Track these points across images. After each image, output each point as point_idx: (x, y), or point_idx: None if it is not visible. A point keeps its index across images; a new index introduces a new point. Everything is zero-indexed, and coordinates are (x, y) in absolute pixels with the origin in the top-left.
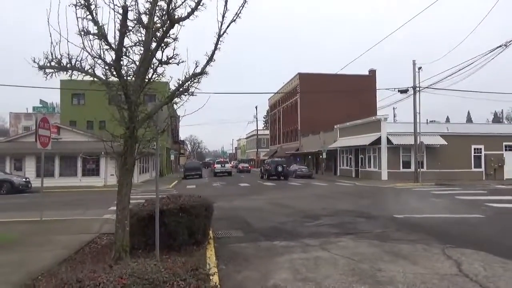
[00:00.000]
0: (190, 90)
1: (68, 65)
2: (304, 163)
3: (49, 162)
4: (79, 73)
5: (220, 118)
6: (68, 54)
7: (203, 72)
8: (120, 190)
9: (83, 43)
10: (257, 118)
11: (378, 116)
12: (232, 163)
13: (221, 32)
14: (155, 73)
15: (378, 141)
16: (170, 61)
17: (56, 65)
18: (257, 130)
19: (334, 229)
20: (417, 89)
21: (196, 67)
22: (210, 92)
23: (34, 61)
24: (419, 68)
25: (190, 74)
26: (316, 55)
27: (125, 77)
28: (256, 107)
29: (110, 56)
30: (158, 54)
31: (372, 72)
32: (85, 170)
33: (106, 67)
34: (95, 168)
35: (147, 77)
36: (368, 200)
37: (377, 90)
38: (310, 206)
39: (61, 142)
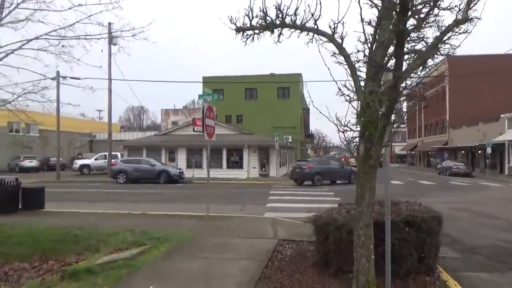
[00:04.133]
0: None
1: (277, 21)
2: (454, 159)
3: (198, 154)
4: (291, 30)
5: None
6: (278, 5)
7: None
8: (361, 198)
9: None
10: None
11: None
12: None
13: None
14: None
15: None
16: None
17: (259, 24)
18: None
19: None
20: None
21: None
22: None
23: (231, 21)
24: None
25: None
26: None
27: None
28: None
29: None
30: None
31: None
32: (230, 162)
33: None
34: (239, 161)
35: None
36: None
37: None
38: None
39: None
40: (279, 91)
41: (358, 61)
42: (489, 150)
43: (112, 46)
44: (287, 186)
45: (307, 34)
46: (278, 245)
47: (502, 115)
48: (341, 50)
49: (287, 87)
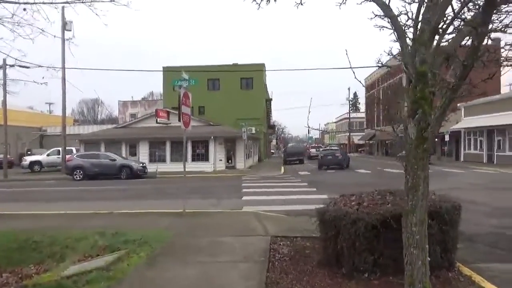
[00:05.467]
0: None
1: None
2: None
3: (161, 147)
4: None
5: (306, 103)
6: None
7: None
8: (414, 189)
9: None
10: (350, 101)
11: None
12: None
13: None
14: None
15: None
16: None
17: None
18: (349, 112)
19: None
20: None
21: None
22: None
23: None
24: None
25: None
26: None
27: None
28: (348, 89)
29: None
30: None
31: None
32: (195, 155)
33: None
34: (204, 153)
35: None
36: None
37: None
38: (506, 203)
39: (171, 127)
40: (242, 81)
41: (406, 26)
42: (446, 138)
43: (66, 32)
44: (257, 178)
45: None
46: (272, 243)
47: (458, 104)
48: (387, 11)
49: (251, 78)
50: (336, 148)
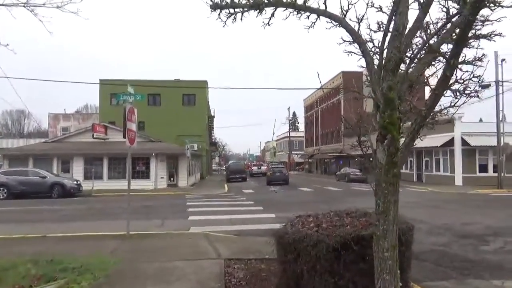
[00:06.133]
0: None
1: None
2: (349, 165)
3: (97, 163)
4: (289, 9)
5: (247, 121)
6: None
7: None
8: (384, 213)
9: None
10: (289, 120)
11: (451, 114)
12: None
13: None
14: None
15: (450, 143)
16: None
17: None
18: (289, 131)
19: None
20: (500, 83)
21: None
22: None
23: None
24: (502, 60)
25: None
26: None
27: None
28: (288, 108)
29: None
30: None
31: None
32: (135, 173)
33: None
34: (145, 171)
35: None
36: (501, 212)
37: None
38: (443, 220)
39: (109, 143)
40: (184, 97)
41: (372, 53)
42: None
43: None
44: (201, 196)
45: (308, 16)
46: (226, 266)
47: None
48: (356, 36)
49: (193, 94)
50: (282, 166)
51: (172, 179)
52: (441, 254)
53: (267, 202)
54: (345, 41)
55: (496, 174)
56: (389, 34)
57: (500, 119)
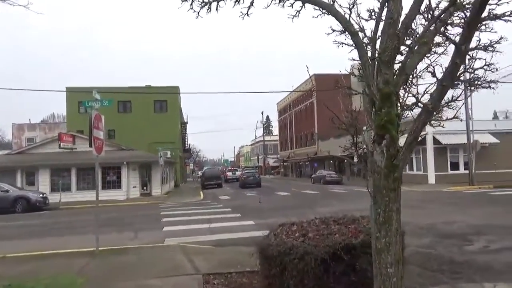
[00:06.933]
0: None
1: None
2: (323, 168)
3: (64, 174)
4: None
5: (220, 126)
6: None
7: None
8: (387, 223)
9: None
10: (263, 124)
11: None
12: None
13: None
14: None
15: (422, 141)
16: None
17: None
18: (263, 135)
19: None
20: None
21: None
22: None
23: None
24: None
25: None
26: (332, 56)
27: None
28: (262, 113)
29: None
30: None
31: None
32: (105, 183)
33: None
34: (117, 180)
35: None
36: (479, 210)
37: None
38: (424, 220)
39: (77, 153)
40: (156, 104)
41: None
42: (355, 159)
43: None
44: (176, 205)
45: (292, 4)
46: (205, 283)
47: (364, 128)
48: (347, 25)
49: (165, 100)
50: (254, 170)
51: (145, 188)
52: (427, 257)
53: (244, 209)
54: (334, 30)
55: (467, 171)
56: (382, 23)
57: (470, 117)
